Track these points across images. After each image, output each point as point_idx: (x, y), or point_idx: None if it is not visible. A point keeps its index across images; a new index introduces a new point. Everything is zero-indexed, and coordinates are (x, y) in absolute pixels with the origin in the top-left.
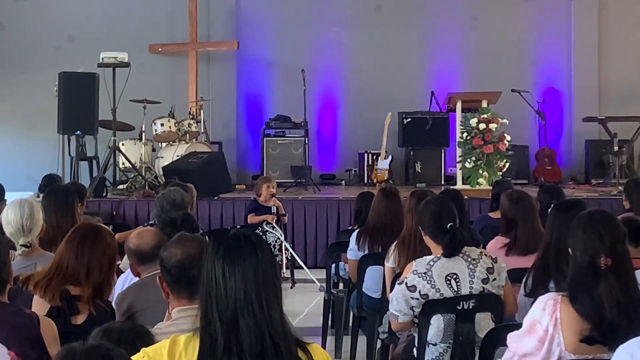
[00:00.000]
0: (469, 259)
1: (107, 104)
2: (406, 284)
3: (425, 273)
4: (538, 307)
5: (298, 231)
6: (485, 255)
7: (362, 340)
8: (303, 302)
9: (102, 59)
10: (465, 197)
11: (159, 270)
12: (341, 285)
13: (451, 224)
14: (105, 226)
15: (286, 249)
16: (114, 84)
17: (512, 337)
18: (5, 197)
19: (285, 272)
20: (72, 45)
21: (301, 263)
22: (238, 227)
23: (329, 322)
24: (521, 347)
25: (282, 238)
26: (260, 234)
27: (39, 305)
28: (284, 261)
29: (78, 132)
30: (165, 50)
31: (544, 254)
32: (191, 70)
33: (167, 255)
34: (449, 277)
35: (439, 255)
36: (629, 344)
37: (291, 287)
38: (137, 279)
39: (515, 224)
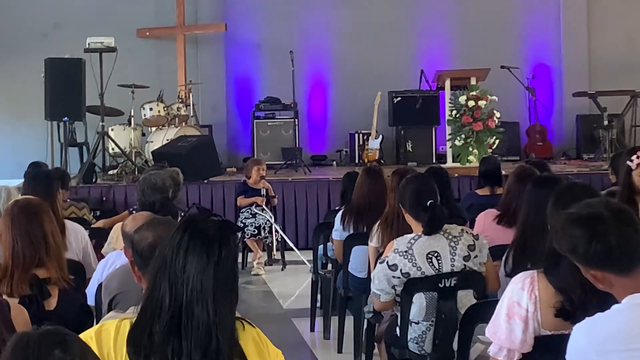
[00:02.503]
0: (450, 237)
1: (95, 90)
2: (387, 262)
3: (406, 252)
4: (515, 287)
5: (289, 213)
6: (467, 232)
7: (349, 320)
8: (294, 284)
9: (89, 44)
10: (456, 174)
11: None
12: (330, 266)
13: (431, 201)
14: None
15: (276, 231)
16: (101, 69)
17: (492, 329)
18: None
19: (276, 254)
20: (59, 31)
21: (291, 245)
22: (219, 216)
23: (318, 303)
24: (509, 336)
25: (272, 220)
26: (251, 216)
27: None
28: (274, 243)
29: (65, 118)
30: (152, 34)
31: (522, 232)
32: (179, 53)
33: (138, 238)
34: (430, 255)
35: (419, 234)
36: (584, 323)
37: (282, 269)
38: (119, 263)
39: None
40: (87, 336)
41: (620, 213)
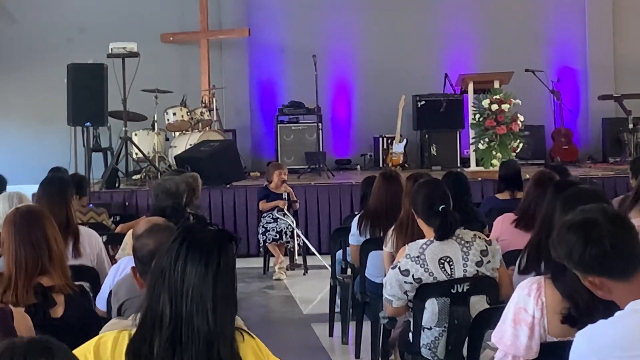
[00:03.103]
0: (463, 242)
1: (119, 95)
2: (399, 268)
3: (418, 257)
4: (522, 293)
5: (311, 217)
6: (479, 237)
7: (367, 326)
8: (316, 289)
9: (111, 49)
10: (479, 178)
11: None
12: (349, 271)
13: (443, 206)
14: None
15: (298, 236)
16: (124, 74)
17: (498, 334)
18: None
19: (298, 259)
20: (83, 36)
21: (313, 249)
22: (216, 226)
23: (336, 308)
24: (514, 342)
25: (294, 225)
26: (272, 220)
27: (19, 314)
28: (296, 248)
29: (88, 123)
30: (176, 39)
31: (539, 232)
32: (203, 58)
33: (139, 245)
34: (442, 261)
35: (431, 239)
36: (586, 330)
37: (304, 274)
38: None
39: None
40: (85, 349)
41: (616, 218)
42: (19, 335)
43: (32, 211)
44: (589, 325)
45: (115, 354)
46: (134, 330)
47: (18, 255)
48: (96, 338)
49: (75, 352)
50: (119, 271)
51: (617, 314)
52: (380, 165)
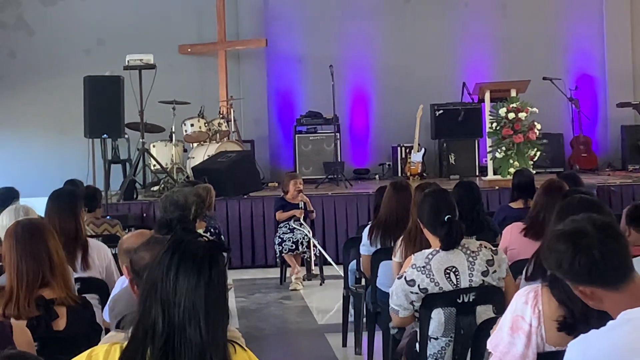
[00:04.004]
0: (468, 252)
1: (136, 107)
2: (405, 278)
3: (424, 267)
4: (519, 300)
5: (329, 227)
6: (485, 247)
7: (379, 336)
8: (332, 299)
9: (128, 61)
10: (496, 187)
11: None
12: (363, 281)
13: (448, 216)
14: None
15: (314, 246)
16: (141, 86)
17: (494, 341)
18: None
19: (314, 269)
20: (102, 48)
21: (329, 259)
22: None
23: (350, 318)
24: (510, 349)
25: (310, 235)
26: (289, 231)
27: (18, 327)
28: (312, 258)
29: (104, 135)
30: (194, 50)
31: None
32: (221, 69)
33: (136, 258)
34: (448, 271)
35: (437, 249)
36: (577, 340)
37: (320, 284)
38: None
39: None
40: None
41: (605, 228)
42: (19, 349)
43: (33, 224)
44: (581, 335)
45: None
46: (125, 344)
47: (19, 268)
48: (88, 351)
49: None
50: (125, 283)
51: (609, 323)
52: (399, 174)
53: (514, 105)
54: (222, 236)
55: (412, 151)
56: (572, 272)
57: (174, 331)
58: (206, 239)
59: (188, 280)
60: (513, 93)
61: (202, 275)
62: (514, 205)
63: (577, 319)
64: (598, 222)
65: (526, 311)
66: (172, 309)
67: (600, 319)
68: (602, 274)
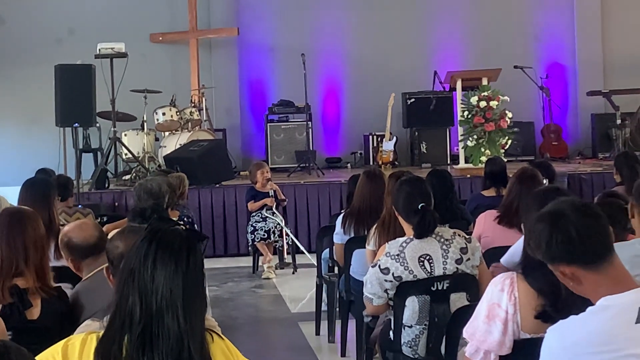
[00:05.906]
0: (442, 240)
1: (108, 96)
2: (379, 266)
3: (398, 255)
4: (495, 289)
5: (301, 216)
6: (459, 235)
7: (352, 324)
8: (305, 288)
9: (99, 50)
10: (468, 175)
11: (104, 265)
12: (336, 270)
13: (422, 204)
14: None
15: (287, 235)
16: (112, 75)
17: (470, 329)
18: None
19: (287, 258)
20: (73, 37)
21: (302, 248)
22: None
23: (323, 306)
24: (487, 337)
25: (283, 224)
26: (261, 219)
27: None
28: (285, 247)
29: (76, 124)
30: (165, 39)
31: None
32: (192, 58)
33: (111, 247)
34: (422, 259)
35: (411, 237)
36: (556, 326)
37: (293, 273)
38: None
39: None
40: (54, 351)
41: (583, 207)
42: None
43: (16, 213)
44: (560, 321)
45: (82, 356)
46: (101, 333)
47: None
48: (64, 340)
49: (43, 354)
50: None
51: (588, 309)
52: (371, 163)
53: (485, 93)
54: (195, 225)
55: (384, 140)
56: (550, 252)
57: (151, 319)
58: (183, 228)
59: (166, 269)
60: (484, 81)
61: (180, 263)
62: (486, 193)
63: (558, 309)
64: (577, 203)
65: (502, 298)
66: (149, 297)
67: (580, 307)
68: (579, 251)
